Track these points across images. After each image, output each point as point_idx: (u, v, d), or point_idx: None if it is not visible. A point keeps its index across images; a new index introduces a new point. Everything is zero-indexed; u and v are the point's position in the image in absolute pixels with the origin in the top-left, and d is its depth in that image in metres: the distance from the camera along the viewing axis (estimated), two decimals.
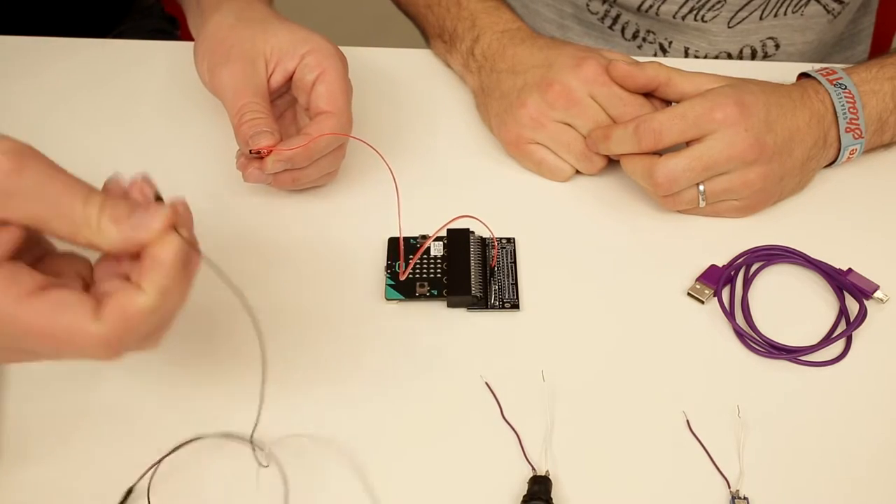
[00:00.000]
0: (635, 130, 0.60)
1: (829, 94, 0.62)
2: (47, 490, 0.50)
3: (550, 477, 0.50)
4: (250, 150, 0.56)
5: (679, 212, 0.63)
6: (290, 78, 0.60)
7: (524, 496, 0.49)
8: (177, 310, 0.43)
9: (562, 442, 0.52)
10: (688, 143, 0.60)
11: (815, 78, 0.63)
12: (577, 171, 0.66)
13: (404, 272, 0.59)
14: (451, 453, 0.52)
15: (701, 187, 0.60)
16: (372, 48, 0.75)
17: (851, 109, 0.62)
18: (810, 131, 0.61)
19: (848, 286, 0.59)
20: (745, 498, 0.50)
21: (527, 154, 0.65)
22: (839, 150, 0.63)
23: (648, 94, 0.63)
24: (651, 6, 0.78)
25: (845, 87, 0.62)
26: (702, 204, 0.61)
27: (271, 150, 0.56)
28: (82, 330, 0.40)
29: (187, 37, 0.67)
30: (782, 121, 0.60)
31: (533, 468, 0.51)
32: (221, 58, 0.59)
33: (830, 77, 0.63)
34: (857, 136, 0.62)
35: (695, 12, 0.78)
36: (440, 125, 0.70)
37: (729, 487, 0.51)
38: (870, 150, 0.65)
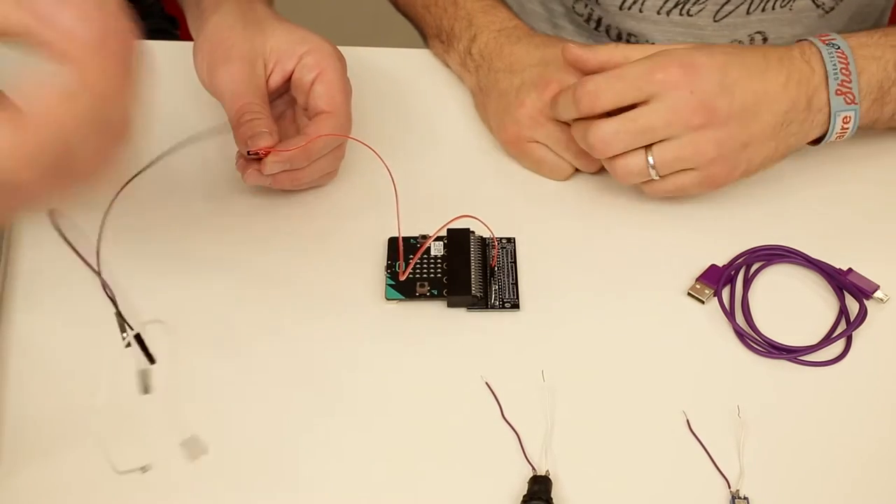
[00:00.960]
0: (573, 93, 0.58)
1: (819, 52, 0.59)
2: (47, 491, 0.50)
3: (550, 477, 0.50)
4: (248, 152, 0.56)
5: (643, 191, 0.61)
6: (289, 78, 0.60)
7: (524, 496, 0.49)
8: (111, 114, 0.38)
9: (562, 442, 0.52)
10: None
11: (808, 41, 0.61)
12: (577, 170, 0.66)
13: (404, 272, 0.58)
14: (451, 453, 0.52)
15: (650, 159, 0.58)
16: (372, 48, 0.75)
17: (843, 70, 0.58)
18: (786, 93, 0.58)
19: (848, 286, 0.59)
20: (745, 498, 0.50)
21: (526, 153, 0.65)
22: (830, 115, 0.60)
23: None
24: (634, 3, 0.77)
25: (837, 47, 0.59)
26: (654, 175, 0.59)
27: (270, 151, 0.56)
28: None
29: (187, 37, 0.67)
30: (745, 83, 0.57)
31: (533, 468, 0.51)
32: (220, 58, 0.59)
33: (824, 38, 0.60)
34: (849, 100, 0.59)
35: (679, 6, 0.77)
36: (440, 125, 0.70)
37: (729, 487, 0.51)
38: (870, 124, 0.62)
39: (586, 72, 0.61)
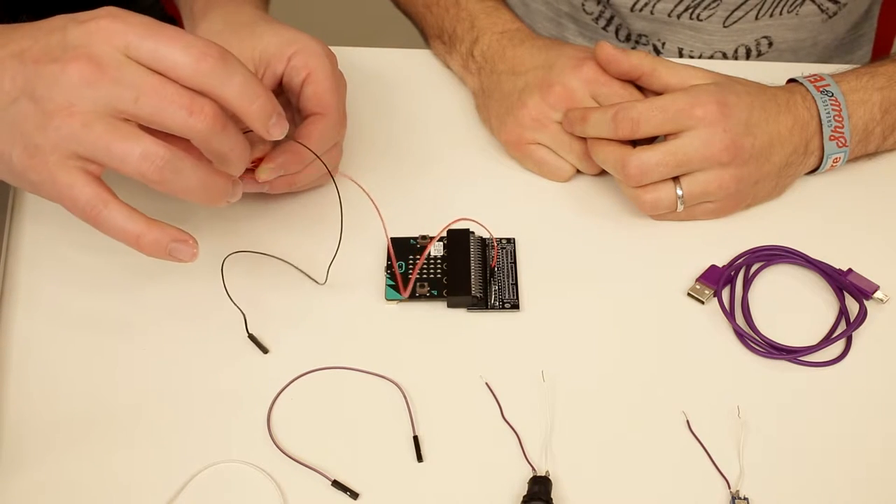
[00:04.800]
0: (614, 116, 0.59)
1: (815, 101, 0.61)
2: (47, 492, 0.50)
3: (550, 477, 0.50)
4: None
5: (655, 217, 0.63)
6: (281, 81, 0.60)
7: (524, 496, 0.49)
8: None
9: (562, 442, 0.52)
10: (665, 137, 0.59)
11: (803, 86, 0.63)
12: (578, 172, 0.66)
13: (406, 290, 0.58)
14: (450, 453, 0.52)
15: (679, 191, 0.60)
16: (371, 48, 0.75)
17: (837, 117, 0.61)
18: (791, 138, 0.61)
19: (848, 286, 0.59)
20: (745, 498, 0.50)
21: (527, 154, 0.65)
22: (822, 158, 0.63)
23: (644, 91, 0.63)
24: (646, 4, 0.78)
25: (832, 95, 0.61)
26: (680, 207, 0.61)
27: (261, 160, 0.56)
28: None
29: None
30: (764, 125, 0.60)
31: (533, 468, 0.51)
32: None
33: (818, 84, 0.62)
34: (841, 144, 0.62)
35: (690, 10, 0.78)
36: (440, 125, 0.70)
37: (729, 487, 0.51)
38: (853, 159, 0.65)
39: (615, 73, 0.62)
